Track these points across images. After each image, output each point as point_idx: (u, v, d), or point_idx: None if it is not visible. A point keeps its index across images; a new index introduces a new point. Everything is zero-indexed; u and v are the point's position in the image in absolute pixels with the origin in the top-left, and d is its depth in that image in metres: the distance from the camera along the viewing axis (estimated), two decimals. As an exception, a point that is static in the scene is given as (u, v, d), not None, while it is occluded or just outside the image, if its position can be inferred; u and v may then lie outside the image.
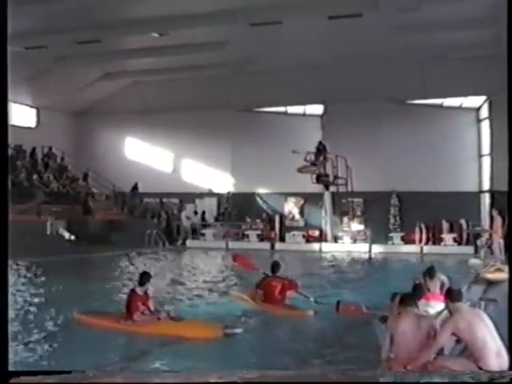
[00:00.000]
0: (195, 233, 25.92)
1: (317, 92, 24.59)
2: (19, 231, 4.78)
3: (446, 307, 5.72)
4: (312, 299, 9.94)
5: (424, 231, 23.19)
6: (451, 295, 5.52)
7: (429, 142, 23.47)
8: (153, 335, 7.42)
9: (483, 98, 23.59)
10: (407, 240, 23.47)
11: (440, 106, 24.57)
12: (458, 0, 17.52)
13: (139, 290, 8.00)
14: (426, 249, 22.39)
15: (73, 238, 21.82)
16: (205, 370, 6.02)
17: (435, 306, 7.31)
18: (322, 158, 23.69)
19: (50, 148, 26.94)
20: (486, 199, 23.44)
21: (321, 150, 23.78)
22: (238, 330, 7.58)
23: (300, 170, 23.09)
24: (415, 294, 5.70)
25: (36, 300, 10.53)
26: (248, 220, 25.91)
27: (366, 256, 21.55)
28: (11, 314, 7.96)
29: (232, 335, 7.44)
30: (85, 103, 27.93)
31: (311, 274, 16.04)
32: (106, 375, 5.00)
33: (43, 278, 13.68)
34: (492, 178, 22.96)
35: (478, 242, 21.22)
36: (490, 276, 12.61)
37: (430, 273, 8.40)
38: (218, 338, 7.31)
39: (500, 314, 5.63)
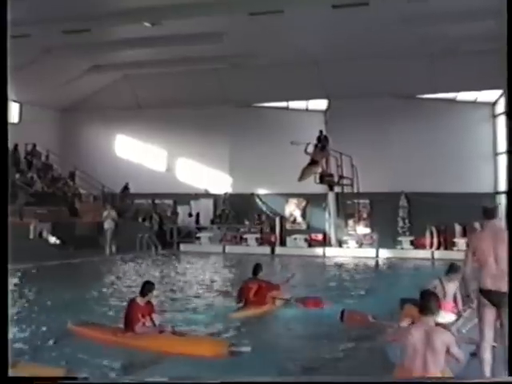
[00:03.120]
0: (190, 236, 25.97)
1: (320, 86, 24.59)
2: (-1, 235, 4.74)
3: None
4: (292, 300, 10.36)
5: (435, 235, 23.12)
6: (486, 213, 6.21)
7: (440, 139, 23.46)
8: (152, 350, 7.33)
9: (499, 91, 23.58)
10: (417, 244, 23.43)
11: (453, 101, 24.57)
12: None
13: (140, 301, 7.94)
14: (438, 254, 22.36)
15: (58, 242, 21.82)
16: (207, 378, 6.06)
17: (445, 316, 7.31)
18: (322, 151, 23.23)
19: (34, 145, 26.94)
20: (502, 200, 23.41)
21: (322, 140, 23.60)
22: (245, 349, 7.39)
23: (301, 179, 22.63)
24: (434, 302, 5.62)
25: (17, 310, 10.52)
26: (246, 223, 25.93)
27: (373, 261, 21.56)
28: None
29: (238, 354, 7.26)
30: (72, 98, 27.86)
31: (314, 280, 16.13)
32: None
33: (26, 286, 13.65)
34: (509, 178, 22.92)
35: (494, 247, 21.17)
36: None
37: (449, 271, 8.47)
38: (223, 356, 7.17)
39: None
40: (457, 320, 7.97)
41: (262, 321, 9.75)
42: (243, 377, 5.87)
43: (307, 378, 6.41)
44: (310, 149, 22.86)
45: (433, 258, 22.28)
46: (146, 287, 8.04)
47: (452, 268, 8.56)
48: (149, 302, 8.00)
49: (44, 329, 8.85)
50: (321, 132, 23.99)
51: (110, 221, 23.17)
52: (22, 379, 4.00)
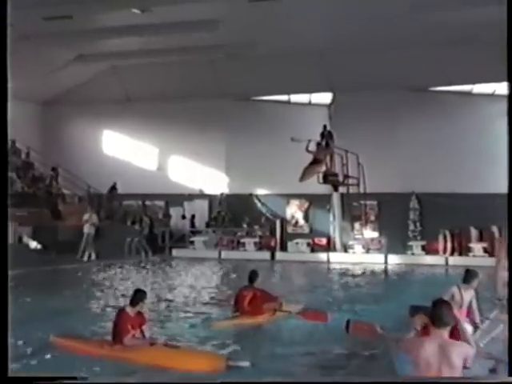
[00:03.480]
0: (183, 240, 25.86)
1: (324, 78, 24.50)
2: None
3: None
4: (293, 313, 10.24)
5: (449, 239, 22.99)
6: None
7: (454, 136, 23.25)
8: (142, 364, 7.26)
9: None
10: (429, 249, 23.29)
11: (468, 94, 24.43)
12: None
13: (130, 311, 7.86)
14: (452, 260, 22.26)
15: (39, 247, 21.73)
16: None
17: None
18: (326, 149, 23.05)
19: (13, 142, 26.70)
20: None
21: (326, 136, 23.42)
22: (244, 364, 7.28)
23: (303, 179, 22.39)
24: (447, 312, 5.47)
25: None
26: (244, 226, 25.79)
27: (381, 268, 21.44)
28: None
29: (236, 368, 7.15)
30: (55, 90, 27.78)
31: (317, 287, 16.14)
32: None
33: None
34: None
35: (513, 253, 21.09)
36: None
37: (466, 278, 8.36)
38: (220, 371, 7.06)
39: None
40: (474, 332, 7.84)
41: (256, 331, 9.63)
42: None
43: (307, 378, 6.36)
44: (312, 146, 22.71)
45: (446, 264, 22.21)
46: (137, 296, 8.01)
47: (469, 274, 8.42)
48: (139, 313, 7.95)
49: (22, 342, 8.66)
50: (324, 127, 23.86)
51: (90, 225, 22.85)
52: (21, 379, 4.19)
